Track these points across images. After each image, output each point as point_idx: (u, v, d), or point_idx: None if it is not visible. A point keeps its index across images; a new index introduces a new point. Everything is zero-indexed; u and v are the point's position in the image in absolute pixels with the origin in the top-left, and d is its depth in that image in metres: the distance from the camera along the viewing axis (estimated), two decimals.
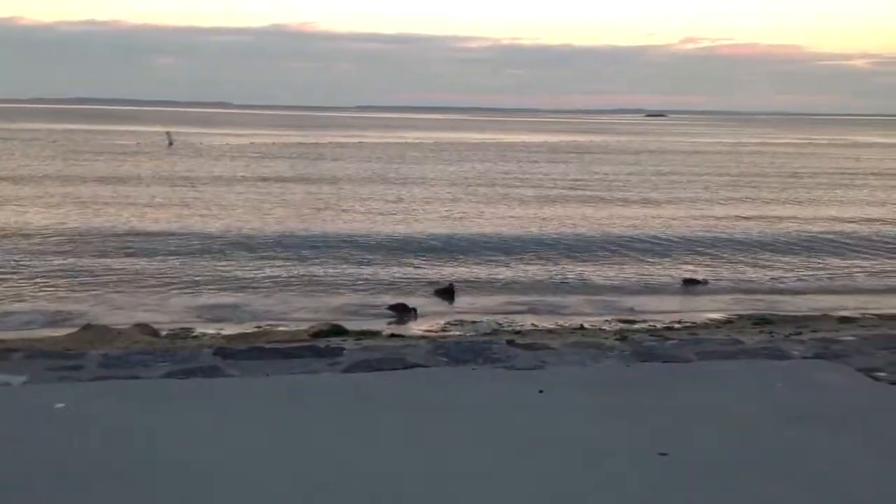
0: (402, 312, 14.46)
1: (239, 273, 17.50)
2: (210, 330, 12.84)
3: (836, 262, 20.31)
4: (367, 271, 17.91)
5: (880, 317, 13.70)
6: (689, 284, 17.49)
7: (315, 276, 17.39)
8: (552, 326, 13.08)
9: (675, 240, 22.75)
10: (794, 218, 27.57)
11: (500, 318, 14.01)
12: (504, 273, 18.15)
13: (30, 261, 18.23)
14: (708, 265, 19.51)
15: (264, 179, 38.13)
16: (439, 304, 15.26)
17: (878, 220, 27.88)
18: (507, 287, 16.94)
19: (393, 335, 11.65)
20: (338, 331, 11.73)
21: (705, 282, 17.74)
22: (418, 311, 14.50)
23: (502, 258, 19.72)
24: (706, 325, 12.81)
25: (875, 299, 16.36)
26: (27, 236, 21.32)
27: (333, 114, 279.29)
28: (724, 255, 20.67)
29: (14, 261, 18.17)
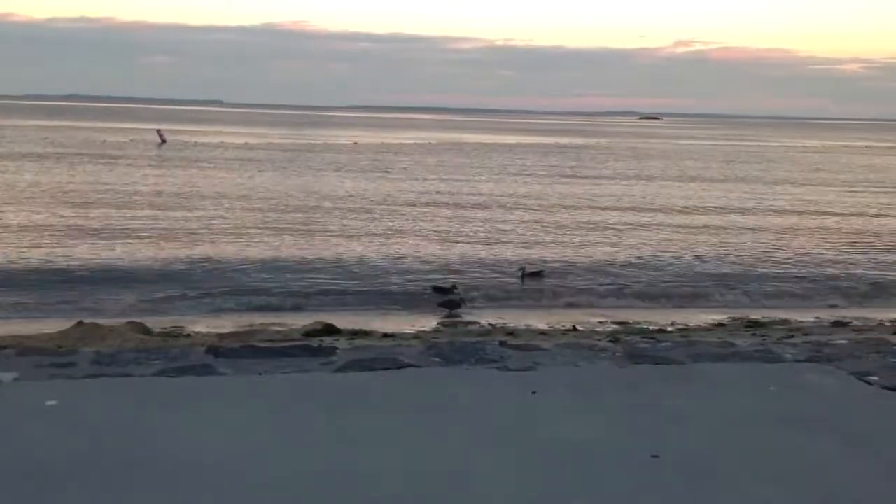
0: (451, 302, 14.47)
1: (235, 271, 17.45)
2: (202, 328, 12.79)
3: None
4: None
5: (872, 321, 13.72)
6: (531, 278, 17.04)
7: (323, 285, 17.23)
8: (545, 327, 13.07)
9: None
10: None
11: (493, 319, 13.99)
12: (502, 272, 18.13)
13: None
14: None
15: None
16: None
17: None
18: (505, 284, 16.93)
19: (385, 335, 11.63)
20: (330, 330, 11.70)
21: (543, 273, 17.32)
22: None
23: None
24: (699, 328, 12.81)
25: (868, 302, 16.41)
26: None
27: (325, 113, 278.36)
28: None
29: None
